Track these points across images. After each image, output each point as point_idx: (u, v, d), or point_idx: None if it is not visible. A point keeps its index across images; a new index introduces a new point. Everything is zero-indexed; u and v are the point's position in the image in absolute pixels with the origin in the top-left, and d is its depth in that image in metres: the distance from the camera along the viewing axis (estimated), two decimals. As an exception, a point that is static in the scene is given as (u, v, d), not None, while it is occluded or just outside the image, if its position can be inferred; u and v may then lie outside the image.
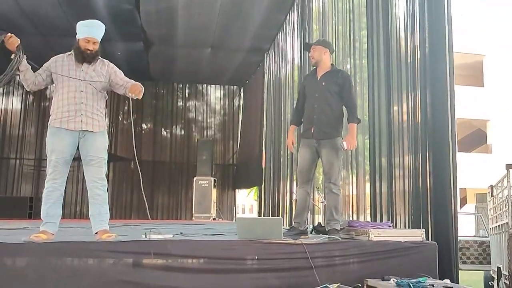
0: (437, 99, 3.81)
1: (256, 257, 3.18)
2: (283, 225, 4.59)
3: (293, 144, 4.33)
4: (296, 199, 4.17)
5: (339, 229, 3.90)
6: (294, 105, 4.66)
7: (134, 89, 3.45)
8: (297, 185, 4.30)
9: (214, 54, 10.37)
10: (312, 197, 4.74)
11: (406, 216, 4.28)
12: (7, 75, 3.27)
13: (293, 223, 4.17)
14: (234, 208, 13.14)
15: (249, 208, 34.25)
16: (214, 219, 10.79)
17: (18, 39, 3.28)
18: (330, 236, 3.70)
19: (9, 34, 3.23)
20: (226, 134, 13.33)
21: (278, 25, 9.13)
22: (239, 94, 13.47)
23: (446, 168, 3.66)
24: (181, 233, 4.18)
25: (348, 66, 5.83)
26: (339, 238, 3.65)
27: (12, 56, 3.27)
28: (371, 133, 4.97)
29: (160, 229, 4.04)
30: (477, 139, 21.15)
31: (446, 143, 3.69)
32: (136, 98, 3.50)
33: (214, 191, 11.05)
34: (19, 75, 3.40)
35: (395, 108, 4.57)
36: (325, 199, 5.06)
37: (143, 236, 3.35)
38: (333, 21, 6.53)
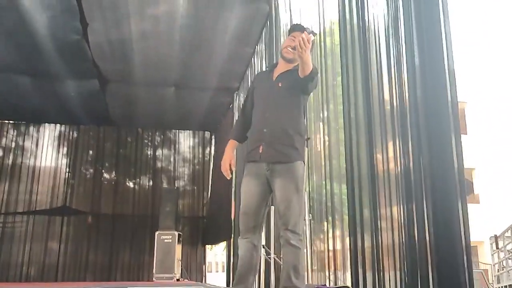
0: (437, 145, 3.04)
1: None
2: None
3: (231, 166, 3.09)
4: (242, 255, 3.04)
5: (300, 299, 2.77)
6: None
7: None
8: (239, 235, 3.19)
9: (179, 94, 9.41)
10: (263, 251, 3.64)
11: (398, 272, 3.29)
12: None
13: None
14: (204, 266, 11.78)
15: (223, 266, 32.27)
16: (178, 279, 9.44)
17: None
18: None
19: None
20: (198, 184, 12.19)
21: (245, 60, 8.29)
22: (210, 140, 12.51)
23: (454, 218, 2.78)
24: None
25: (326, 114, 5.08)
26: (300, 316, 2.51)
27: None
28: (350, 181, 4.10)
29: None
30: (464, 188, 20.43)
31: (451, 191, 2.85)
32: None
33: (178, 248, 9.74)
34: None
35: (379, 155, 3.75)
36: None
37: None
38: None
